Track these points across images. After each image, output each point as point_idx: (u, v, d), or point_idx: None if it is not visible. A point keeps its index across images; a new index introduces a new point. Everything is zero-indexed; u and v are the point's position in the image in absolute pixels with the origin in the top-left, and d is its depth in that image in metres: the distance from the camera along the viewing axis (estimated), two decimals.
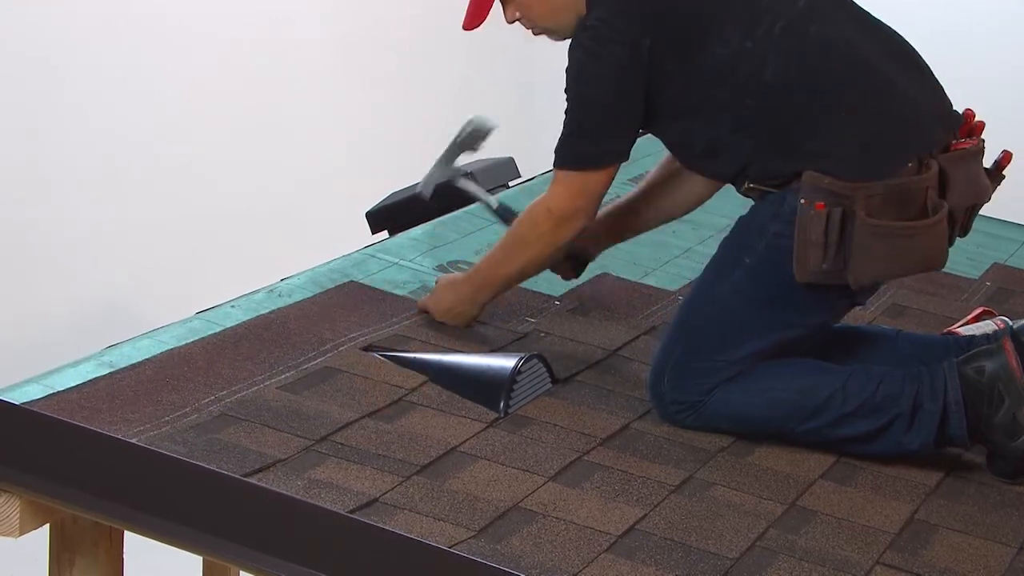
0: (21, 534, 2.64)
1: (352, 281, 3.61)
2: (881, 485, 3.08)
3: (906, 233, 3.10)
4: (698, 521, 2.84)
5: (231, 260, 6.00)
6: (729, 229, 3.27)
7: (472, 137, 3.63)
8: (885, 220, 3.07)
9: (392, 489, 2.79)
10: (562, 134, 3.25)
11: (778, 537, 2.84)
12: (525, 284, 3.79)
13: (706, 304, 3.18)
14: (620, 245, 3.74)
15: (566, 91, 3.23)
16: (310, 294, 3.50)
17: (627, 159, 3.26)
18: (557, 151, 3.26)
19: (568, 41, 3.27)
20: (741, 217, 3.23)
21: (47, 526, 2.71)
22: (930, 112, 3.19)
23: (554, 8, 3.27)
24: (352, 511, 2.67)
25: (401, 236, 3.98)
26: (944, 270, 4.24)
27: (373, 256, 3.79)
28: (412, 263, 3.80)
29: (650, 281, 3.92)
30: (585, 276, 3.89)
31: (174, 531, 2.53)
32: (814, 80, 3.13)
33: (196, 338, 3.22)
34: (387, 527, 2.57)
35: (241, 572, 3.16)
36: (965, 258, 4.44)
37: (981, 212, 4.88)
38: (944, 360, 3.19)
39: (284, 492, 2.67)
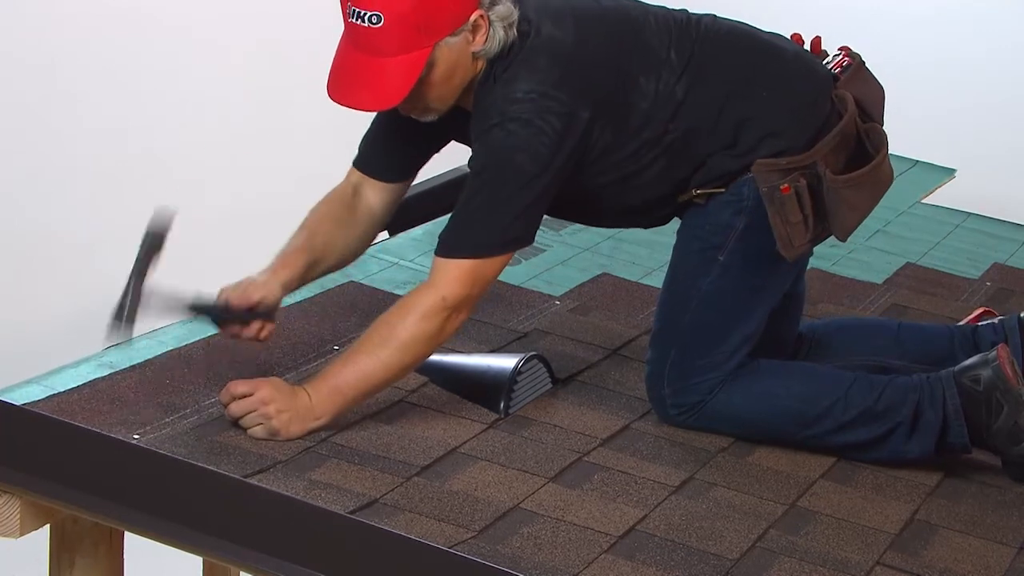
0: (21, 535, 2.64)
1: (352, 281, 3.61)
2: (881, 485, 3.08)
3: (873, 175, 3.13)
4: (699, 522, 2.84)
5: (231, 260, 6.00)
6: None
7: (153, 243, 3.06)
8: (847, 171, 3.09)
9: (392, 490, 2.79)
10: (464, 218, 2.98)
11: (778, 538, 2.84)
12: (524, 284, 3.79)
13: (690, 306, 3.15)
14: (620, 245, 3.74)
15: (480, 171, 2.96)
16: (310, 294, 3.50)
17: (531, 244, 3.05)
18: (456, 237, 2.98)
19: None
20: (693, 222, 3.16)
21: (47, 527, 2.71)
22: (806, 54, 3.22)
23: (451, 80, 2.97)
24: (352, 512, 2.67)
25: (401, 236, 3.98)
26: (944, 270, 4.27)
27: (373, 256, 3.79)
28: (412, 263, 3.81)
29: (650, 281, 3.92)
30: (585, 276, 3.89)
31: (174, 532, 2.52)
32: (723, 78, 3.11)
33: (196, 339, 3.22)
34: (387, 528, 2.57)
35: (241, 572, 3.16)
36: (965, 258, 4.44)
37: (981, 212, 4.91)
38: (947, 355, 3.23)
39: (284, 493, 2.67)
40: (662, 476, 2.99)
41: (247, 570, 2.57)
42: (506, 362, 3.20)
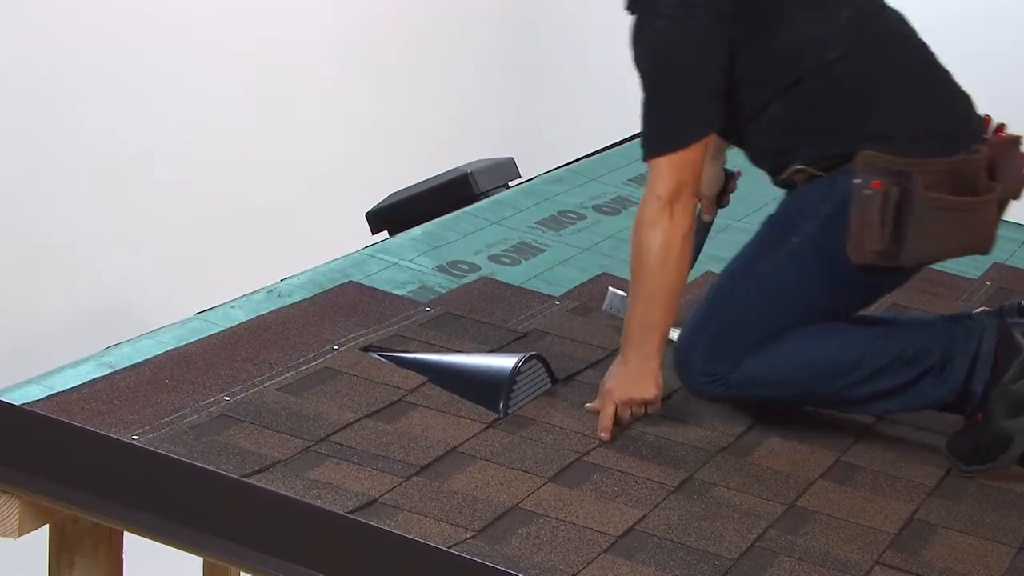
0: (21, 535, 2.64)
1: (352, 281, 3.61)
2: (881, 485, 3.08)
3: (964, 208, 3.11)
4: (698, 521, 2.84)
5: (231, 260, 6.01)
6: (763, 214, 3.25)
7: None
8: (944, 194, 3.08)
9: (391, 490, 2.79)
10: (648, 118, 3.13)
11: (778, 537, 2.84)
12: (525, 284, 3.79)
13: (746, 280, 3.17)
14: (620, 245, 3.73)
15: (642, 70, 3.12)
16: (310, 294, 3.50)
17: (716, 128, 3.15)
18: (647, 139, 3.12)
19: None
20: (788, 198, 3.21)
21: (47, 527, 2.71)
22: (971, 106, 3.23)
23: None
24: (352, 512, 2.67)
25: (401, 236, 3.98)
26: (944, 270, 4.27)
27: (373, 256, 3.79)
28: (412, 263, 3.81)
29: None
30: (585, 276, 3.89)
31: (174, 532, 2.53)
32: (874, 68, 3.14)
33: (196, 338, 3.22)
34: (387, 527, 2.57)
35: (241, 572, 3.16)
36: (965, 258, 4.43)
37: None
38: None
39: (284, 493, 2.67)
40: (661, 476, 2.99)
41: (247, 570, 2.58)
42: (506, 362, 3.20)
